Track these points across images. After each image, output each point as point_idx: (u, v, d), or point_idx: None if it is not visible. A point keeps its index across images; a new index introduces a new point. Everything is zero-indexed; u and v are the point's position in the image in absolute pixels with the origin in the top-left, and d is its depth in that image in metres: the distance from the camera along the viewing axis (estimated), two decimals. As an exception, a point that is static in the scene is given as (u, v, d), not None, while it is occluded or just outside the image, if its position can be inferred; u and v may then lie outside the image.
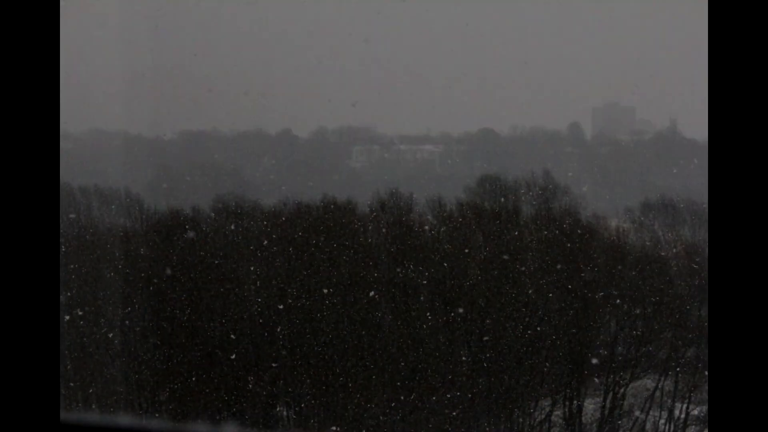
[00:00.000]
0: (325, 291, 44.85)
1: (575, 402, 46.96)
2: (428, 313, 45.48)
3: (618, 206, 68.42)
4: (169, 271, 46.09)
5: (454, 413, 42.46)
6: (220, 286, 46.02)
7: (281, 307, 45.28)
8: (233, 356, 44.03)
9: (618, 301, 47.35)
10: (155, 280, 45.79)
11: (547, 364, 46.35)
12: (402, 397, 42.74)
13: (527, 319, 45.88)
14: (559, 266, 47.14)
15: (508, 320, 45.55)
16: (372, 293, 45.29)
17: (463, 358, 44.49)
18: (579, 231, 50.53)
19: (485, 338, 45.39)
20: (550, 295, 46.55)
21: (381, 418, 41.86)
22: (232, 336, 44.91)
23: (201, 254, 47.17)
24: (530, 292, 46.65)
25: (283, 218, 51.13)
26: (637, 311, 47.70)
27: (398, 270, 45.97)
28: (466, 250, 47.63)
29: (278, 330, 45.11)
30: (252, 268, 47.10)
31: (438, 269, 46.29)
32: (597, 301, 46.72)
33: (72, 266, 44.34)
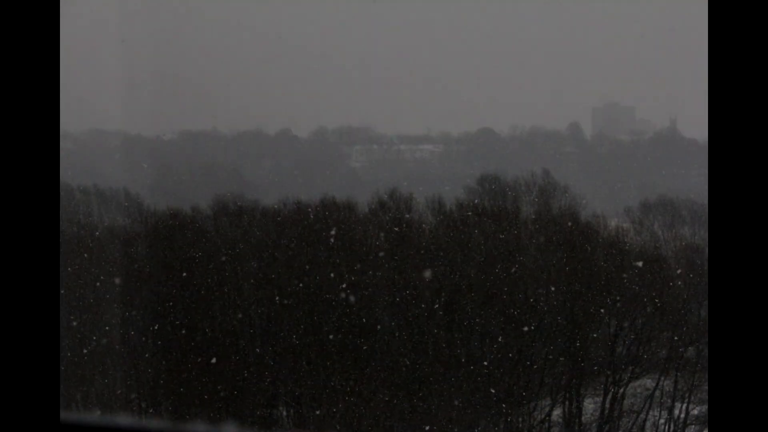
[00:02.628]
0: (326, 291, 44.86)
1: (575, 402, 46.98)
2: (427, 313, 45.50)
3: (618, 206, 68.50)
4: (168, 271, 46.10)
5: (454, 413, 42.47)
6: (220, 286, 46.05)
7: (281, 307, 45.28)
8: (233, 357, 44.05)
9: (618, 301, 47.34)
10: (155, 280, 45.80)
11: (548, 363, 46.36)
12: (401, 397, 42.75)
13: (527, 319, 45.87)
14: (558, 266, 47.15)
15: (508, 320, 45.56)
16: (372, 293, 45.30)
17: (463, 359, 44.50)
18: (579, 231, 50.53)
19: (486, 339, 45.44)
20: (550, 294, 46.56)
21: (381, 418, 41.88)
22: (232, 336, 44.93)
23: (201, 254, 47.18)
24: (530, 291, 46.66)
25: (283, 218, 51.14)
26: (637, 311, 47.72)
27: (397, 270, 45.98)
28: (465, 248, 47.64)
29: (278, 330, 45.12)
30: (251, 269, 47.12)
31: (438, 269, 46.29)
32: (597, 301, 46.71)
33: (72, 266, 44.36)
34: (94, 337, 44.03)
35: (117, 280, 44.63)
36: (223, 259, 47.00)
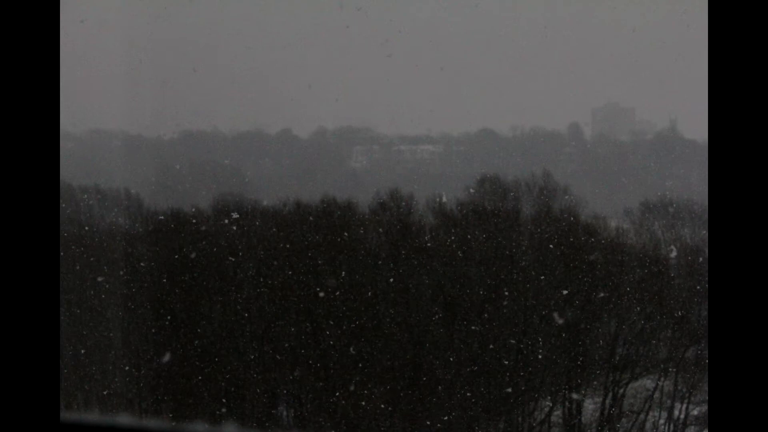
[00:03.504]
0: (325, 291, 44.85)
1: (575, 402, 46.96)
2: (427, 313, 45.48)
3: (618, 206, 68.39)
4: (168, 271, 46.09)
5: (454, 413, 42.46)
6: (220, 286, 46.03)
7: (281, 307, 45.27)
8: (233, 356, 44.04)
9: (618, 301, 47.33)
10: (155, 280, 45.79)
11: (548, 363, 46.34)
12: (401, 397, 42.73)
13: (526, 319, 45.87)
14: (558, 266, 47.14)
15: (508, 320, 45.55)
16: (372, 294, 45.29)
17: (463, 359, 44.49)
18: (579, 231, 50.53)
19: (485, 339, 45.41)
20: (550, 295, 46.55)
21: (381, 418, 41.85)
22: (232, 336, 44.91)
23: (201, 254, 47.16)
24: (530, 292, 46.65)
25: (283, 218, 51.12)
26: (638, 308, 47.74)
27: (397, 270, 45.96)
28: (465, 248, 47.62)
29: (278, 330, 45.11)
30: (251, 269, 47.10)
31: (438, 269, 46.28)
32: (597, 301, 46.72)
33: (72, 266, 44.35)
34: (94, 337, 44.01)
35: (117, 280, 44.62)
36: (224, 259, 47.00)
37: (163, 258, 47.05)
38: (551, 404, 46.58)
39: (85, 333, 44.10)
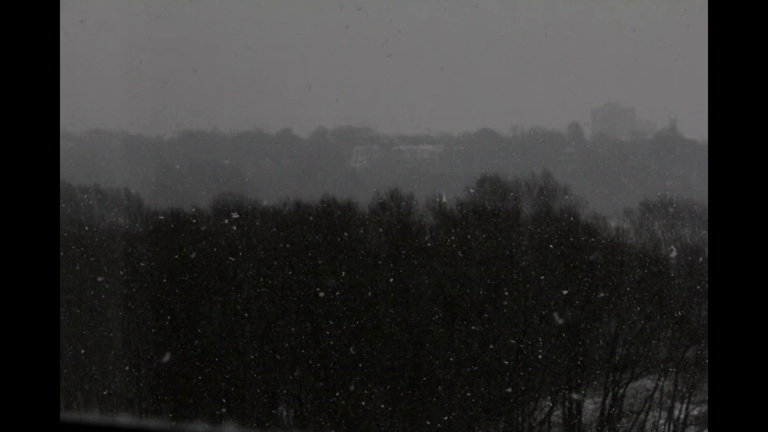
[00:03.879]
0: (325, 291, 44.85)
1: (575, 402, 46.97)
2: (427, 313, 45.47)
3: (618, 206, 68.36)
4: (168, 271, 46.09)
5: (454, 413, 42.45)
6: (220, 286, 46.03)
7: (281, 307, 45.26)
8: (233, 356, 44.03)
9: (618, 301, 47.32)
10: (155, 280, 45.78)
11: (548, 363, 46.34)
12: (401, 397, 42.72)
13: (526, 319, 45.86)
14: (558, 266, 47.14)
15: (508, 320, 45.54)
16: (372, 294, 45.28)
17: (463, 359, 44.49)
18: (579, 231, 50.53)
19: (485, 339, 45.40)
20: (550, 295, 46.54)
21: (381, 418, 41.84)
22: (232, 336, 44.91)
23: (201, 254, 47.17)
24: (529, 292, 46.65)
25: (283, 218, 51.11)
26: (638, 308, 47.74)
27: (397, 270, 45.96)
28: (465, 248, 47.61)
29: (278, 330, 45.10)
30: (251, 269, 47.10)
31: (438, 269, 46.27)
32: (597, 301, 46.71)
33: (72, 266, 44.35)
34: (94, 337, 44.00)
35: (117, 280, 44.62)
36: (224, 259, 46.99)
37: (163, 258, 47.05)
38: (551, 404, 46.57)
39: (85, 333, 44.11)
